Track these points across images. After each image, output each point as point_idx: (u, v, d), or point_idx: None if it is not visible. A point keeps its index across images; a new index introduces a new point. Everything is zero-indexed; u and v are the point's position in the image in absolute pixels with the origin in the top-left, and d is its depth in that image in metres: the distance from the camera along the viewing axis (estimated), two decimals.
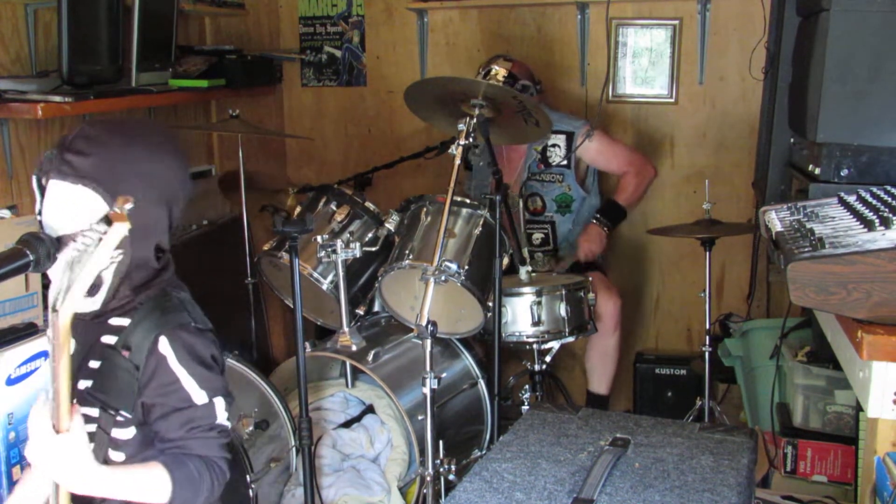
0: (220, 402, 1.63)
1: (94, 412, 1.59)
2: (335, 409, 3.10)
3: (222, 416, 1.64)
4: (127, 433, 1.61)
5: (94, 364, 1.60)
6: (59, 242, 1.50)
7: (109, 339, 1.60)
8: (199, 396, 1.60)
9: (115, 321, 1.61)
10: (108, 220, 1.29)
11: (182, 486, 1.53)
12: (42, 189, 1.58)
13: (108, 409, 1.59)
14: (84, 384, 1.60)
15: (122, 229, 1.29)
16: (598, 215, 3.50)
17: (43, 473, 1.43)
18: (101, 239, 1.28)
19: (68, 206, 1.54)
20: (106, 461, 1.60)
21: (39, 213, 1.58)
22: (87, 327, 1.61)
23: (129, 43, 3.02)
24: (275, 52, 4.29)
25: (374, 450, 2.99)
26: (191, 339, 1.61)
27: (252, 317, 3.57)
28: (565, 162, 3.54)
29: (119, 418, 1.60)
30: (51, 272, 1.48)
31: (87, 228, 1.28)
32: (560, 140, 3.54)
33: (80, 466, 1.41)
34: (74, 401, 1.40)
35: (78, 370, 1.60)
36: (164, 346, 1.58)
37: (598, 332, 3.30)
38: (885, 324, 1.54)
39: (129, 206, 1.33)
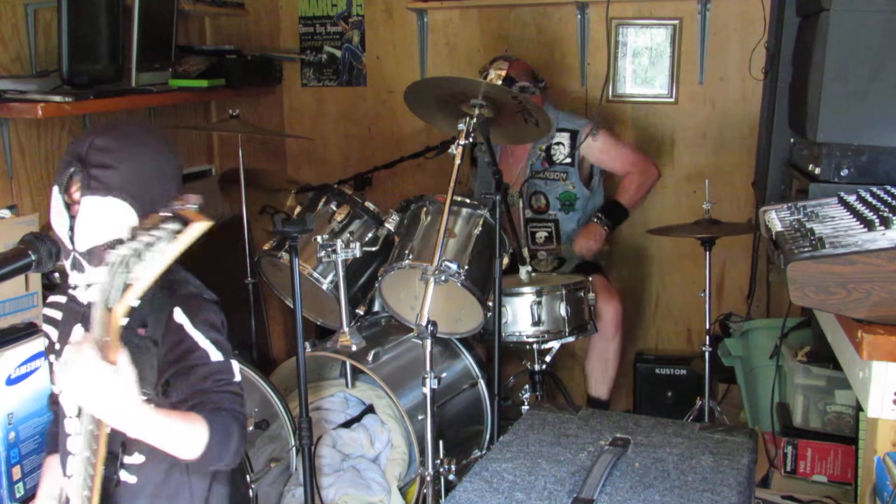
0: (235, 364, 1.65)
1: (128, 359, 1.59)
2: (335, 409, 3.10)
3: (239, 376, 1.66)
4: None
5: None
6: (91, 255, 1.57)
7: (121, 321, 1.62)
8: (216, 355, 1.62)
9: None
10: (180, 219, 1.27)
11: (217, 436, 1.50)
12: (68, 205, 1.62)
13: None
14: None
15: (202, 227, 1.28)
16: (600, 214, 3.50)
17: (86, 404, 1.38)
18: (174, 237, 1.26)
19: (101, 218, 1.59)
20: (124, 444, 1.61)
21: (70, 229, 1.61)
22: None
23: (129, 43, 3.02)
24: (275, 52, 4.29)
25: (374, 450, 2.99)
26: (202, 307, 1.66)
27: (252, 317, 3.57)
28: (569, 160, 3.54)
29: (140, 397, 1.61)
30: (94, 271, 1.55)
31: (151, 226, 1.26)
32: (564, 138, 3.54)
33: (127, 396, 1.36)
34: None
35: None
36: (179, 315, 1.61)
37: (598, 337, 3.30)
38: (885, 324, 1.54)
39: (195, 205, 1.32)
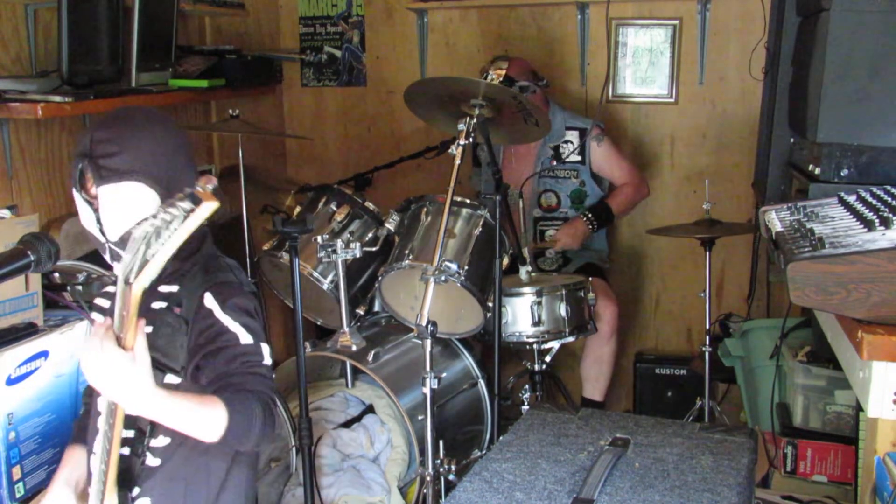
0: (266, 348, 1.66)
1: (145, 344, 1.61)
2: (335, 409, 3.10)
3: (268, 360, 1.66)
4: (174, 380, 1.64)
5: (146, 329, 1.61)
6: (124, 242, 1.57)
7: (160, 305, 1.66)
8: (245, 338, 1.63)
9: (164, 288, 1.67)
10: (193, 198, 1.30)
11: (237, 419, 1.51)
12: (89, 201, 1.65)
13: (158, 367, 1.61)
14: None
15: (210, 207, 1.31)
16: (588, 213, 3.51)
17: (102, 389, 1.42)
18: (186, 216, 1.29)
19: (122, 204, 1.62)
20: (152, 425, 1.64)
21: (98, 222, 1.65)
22: None
23: (129, 43, 3.02)
24: (275, 52, 4.29)
25: (374, 450, 2.99)
26: (233, 293, 1.67)
27: None
28: (579, 157, 3.56)
29: (168, 375, 1.63)
30: (121, 248, 1.60)
31: (169, 205, 1.29)
32: (574, 136, 3.57)
33: (142, 383, 1.39)
34: (142, 321, 1.40)
35: None
36: (209, 300, 1.64)
37: (594, 339, 3.31)
38: (885, 324, 1.54)
39: (211, 185, 1.36)
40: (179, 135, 1.72)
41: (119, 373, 1.37)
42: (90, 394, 1.80)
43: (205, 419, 1.49)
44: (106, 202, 1.62)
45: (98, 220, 1.64)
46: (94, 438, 1.70)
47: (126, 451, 1.65)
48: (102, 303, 1.82)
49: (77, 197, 1.66)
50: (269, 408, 1.58)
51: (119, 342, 1.37)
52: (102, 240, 1.66)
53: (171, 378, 1.64)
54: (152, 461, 1.67)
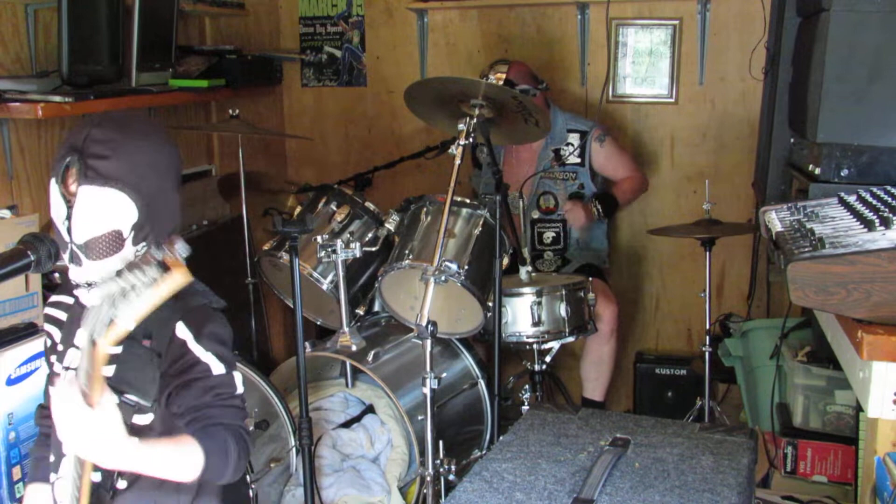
0: (238, 376, 1.66)
1: (113, 398, 1.58)
2: (335, 409, 3.10)
3: (241, 389, 1.66)
4: (145, 419, 1.63)
5: (116, 350, 1.58)
6: (88, 248, 1.55)
7: None
8: (217, 368, 1.62)
9: None
10: (161, 266, 1.29)
11: (214, 457, 1.51)
12: (66, 196, 1.58)
13: (128, 403, 1.60)
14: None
15: (177, 280, 1.30)
16: (597, 203, 3.55)
17: (74, 449, 1.42)
18: (155, 282, 1.28)
19: (98, 209, 1.56)
20: None
21: (68, 219, 1.58)
22: None
23: (129, 43, 3.02)
24: (275, 52, 4.29)
25: (374, 450, 2.99)
26: (206, 319, 1.65)
27: (252, 317, 3.57)
28: (579, 160, 3.57)
29: (137, 415, 1.61)
30: (88, 300, 1.56)
31: (136, 266, 1.28)
32: (574, 139, 3.58)
33: (112, 440, 1.39)
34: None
35: None
36: (181, 330, 1.61)
37: (594, 339, 3.31)
38: (885, 324, 1.54)
39: (180, 250, 1.34)
40: (174, 156, 1.68)
41: (86, 431, 1.36)
42: (46, 416, 1.73)
43: (181, 463, 1.49)
44: (83, 203, 1.55)
45: (68, 218, 1.57)
46: (59, 454, 1.67)
47: (98, 476, 1.63)
48: (56, 313, 1.75)
49: (54, 189, 1.58)
50: (243, 439, 1.59)
51: (85, 398, 1.35)
52: (66, 239, 1.58)
53: (140, 418, 1.61)
54: (121, 484, 1.65)
